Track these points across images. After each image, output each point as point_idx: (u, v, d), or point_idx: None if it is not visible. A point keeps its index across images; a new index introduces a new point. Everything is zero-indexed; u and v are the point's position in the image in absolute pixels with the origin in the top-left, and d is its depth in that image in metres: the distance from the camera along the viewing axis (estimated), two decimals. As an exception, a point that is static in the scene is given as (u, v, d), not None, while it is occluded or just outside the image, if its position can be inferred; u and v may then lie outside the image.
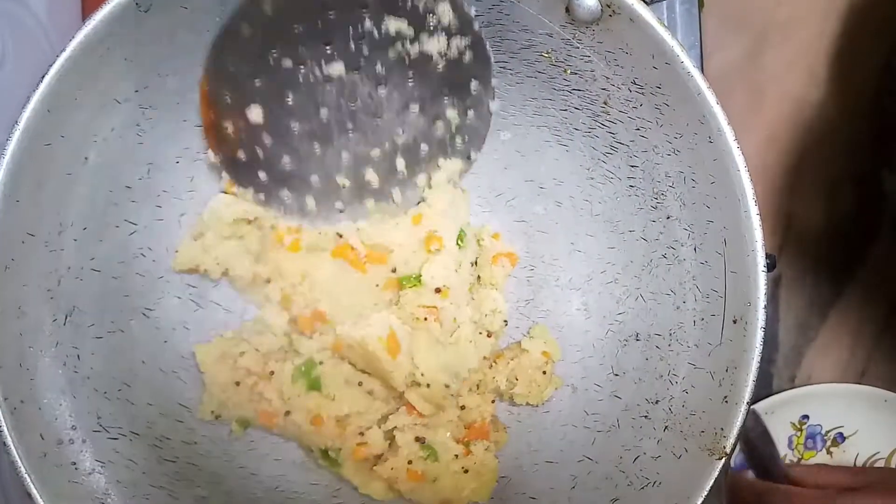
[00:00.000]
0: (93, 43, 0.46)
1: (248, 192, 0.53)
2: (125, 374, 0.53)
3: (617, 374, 0.55)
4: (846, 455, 0.69)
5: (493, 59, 0.51)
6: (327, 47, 0.49)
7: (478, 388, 0.56)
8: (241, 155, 0.51)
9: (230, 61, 0.49)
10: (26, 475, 0.45)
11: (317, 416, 0.54)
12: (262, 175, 0.52)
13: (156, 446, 0.53)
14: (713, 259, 0.49)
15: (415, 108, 0.52)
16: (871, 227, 0.70)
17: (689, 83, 0.46)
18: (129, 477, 0.50)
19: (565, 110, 0.54)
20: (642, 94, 0.49)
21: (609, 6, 0.46)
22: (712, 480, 0.46)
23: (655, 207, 0.52)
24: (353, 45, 0.49)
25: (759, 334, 0.46)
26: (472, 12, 0.49)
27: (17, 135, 0.46)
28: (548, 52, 0.51)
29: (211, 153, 0.53)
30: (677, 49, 0.46)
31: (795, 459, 0.69)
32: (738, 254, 0.47)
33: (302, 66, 0.49)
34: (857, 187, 0.70)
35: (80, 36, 0.46)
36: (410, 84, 0.51)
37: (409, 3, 0.48)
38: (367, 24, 0.48)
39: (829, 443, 0.69)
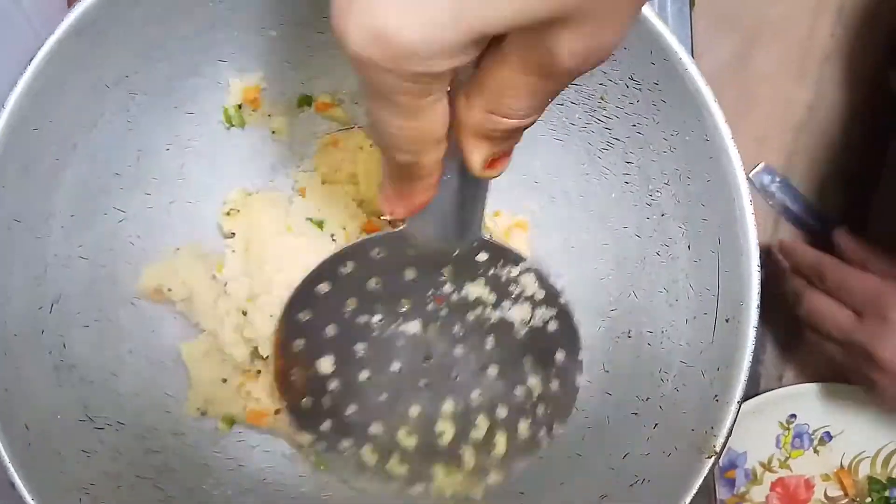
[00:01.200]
0: (83, 26, 0.46)
1: (309, 439, 0.50)
2: (112, 363, 0.52)
3: (608, 371, 0.54)
4: (833, 453, 0.69)
5: (580, 334, 0.49)
6: (404, 306, 0.48)
7: None
8: (307, 402, 0.49)
9: (305, 314, 0.48)
10: (10, 464, 0.44)
11: None
12: (325, 424, 0.50)
13: (142, 437, 0.52)
14: (707, 257, 0.49)
15: (493, 370, 0.49)
16: (860, 227, 0.70)
17: (687, 80, 0.46)
18: (115, 467, 0.50)
19: (561, 105, 0.54)
20: (639, 90, 0.49)
21: (608, 1, 0.46)
22: (701, 479, 0.46)
23: (650, 204, 0.52)
24: (430, 307, 0.48)
25: (752, 334, 0.46)
26: (559, 286, 0.48)
27: (3, 119, 0.45)
28: (545, 46, 0.51)
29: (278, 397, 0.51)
30: (675, 45, 0.46)
31: (783, 458, 0.69)
32: (732, 253, 0.47)
33: (377, 322, 0.48)
34: (848, 188, 0.71)
35: (70, 18, 0.45)
36: (489, 347, 0.49)
37: (491, 272, 0.46)
38: (447, 288, 0.47)
39: (816, 442, 0.69)
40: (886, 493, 0.70)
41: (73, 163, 0.50)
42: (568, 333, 0.48)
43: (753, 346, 0.46)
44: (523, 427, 0.50)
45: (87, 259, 0.52)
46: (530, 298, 0.48)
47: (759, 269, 0.46)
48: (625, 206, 0.54)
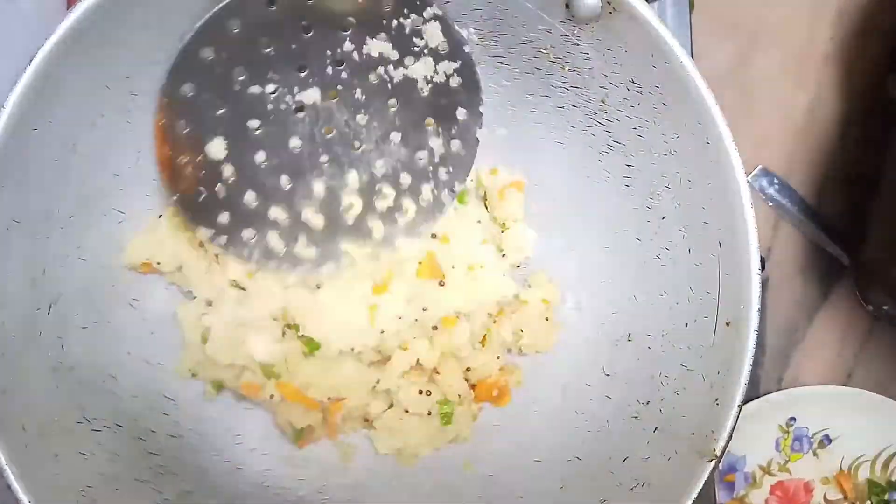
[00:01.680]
0: (83, 26, 0.45)
1: (207, 234, 0.49)
2: (110, 365, 0.52)
3: (608, 374, 0.54)
4: (832, 457, 0.69)
5: (482, 85, 0.48)
6: (301, 72, 0.45)
7: (482, 346, 0.56)
8: (201, 194, 0.46)
9: (189, 88, 0.44)
10: (6, 466, 0.44)
11: (309, 384, 0.53)
12: (223, 217, 0.47)
13: (140, 439, 0.52)
14: (707, 261, 0.49)
15: (396, 137, 0.48)
16: (859, 230, 0.71)
17: (689, 83, 0.46)
18: (113, 470, 0.50)
19: (562, 107, 0.54)
20: (640, 93, 0.49)
21: (609, 3, 0.46)
22: (702, 483, 0.46)
23: (651, 208, 0.52)
24: (330, 70, 0.45)
25: (752, 337, 0.46)
26: (466, 34, 0.46)
27: (2, 119, 0.45)
28: (546, 49, 0.51)
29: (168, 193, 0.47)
30: (677, 49, 0.46)
31: (782, 461, 0.69)
32: (733, 256, 0.47)
33: (272, 93, 0.45)
34: (847, 190, 0.71)
35: (70, 19, 0.45)
36: (392, 111, 0.47)
37: (395, 24, 0.44)
38: (348, 46, 0.44)
39: (815, 445, 0.69)
40: (886, 497, 0.70)
41: (73, 163, 0.49)
42: (470, 87, 0.48)
43: (754, 350, 0.46)
44: (427, 190, 0.50)
45: (86, 260, 0.51)
46: (434, 51, 0.46)
47: (759, 272, 0.46)
48: (625, 210, 0.54)
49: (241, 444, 0.55)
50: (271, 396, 0.53)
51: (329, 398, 0.54)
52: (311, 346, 0.53)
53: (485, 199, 0.57)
